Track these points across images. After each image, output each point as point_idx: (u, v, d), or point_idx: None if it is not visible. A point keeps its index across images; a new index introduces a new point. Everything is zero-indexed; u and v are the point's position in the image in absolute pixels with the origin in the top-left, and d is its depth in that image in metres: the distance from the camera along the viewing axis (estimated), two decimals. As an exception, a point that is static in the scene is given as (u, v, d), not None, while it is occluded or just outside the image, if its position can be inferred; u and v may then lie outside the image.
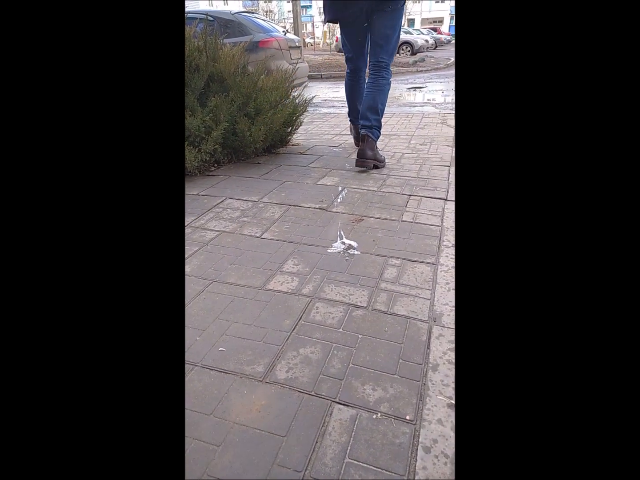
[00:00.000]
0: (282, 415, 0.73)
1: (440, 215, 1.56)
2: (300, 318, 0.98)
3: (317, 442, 0.68)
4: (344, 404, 0.75)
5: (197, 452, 0.66)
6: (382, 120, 2.13)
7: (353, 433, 0.69)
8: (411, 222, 1.51)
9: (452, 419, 0.71)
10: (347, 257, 1.27)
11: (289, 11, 23.72)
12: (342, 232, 1.43)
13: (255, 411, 0.74)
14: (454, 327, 0.95)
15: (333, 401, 0.75)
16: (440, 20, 44.36)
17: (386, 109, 2.25)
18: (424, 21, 42.00)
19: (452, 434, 0.69)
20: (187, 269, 1.21)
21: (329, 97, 6.30)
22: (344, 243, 1.36)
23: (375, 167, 2.11)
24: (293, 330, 0.94)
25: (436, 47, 19.75)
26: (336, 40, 15.66)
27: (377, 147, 2.13)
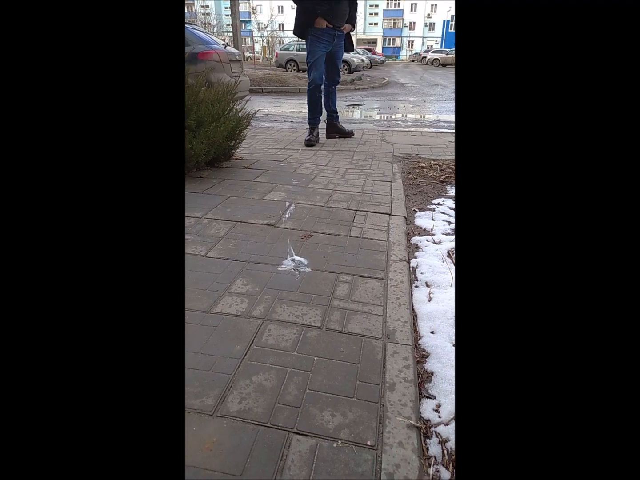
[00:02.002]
0: (237, 451, 0.67)
1: (386, 230, 1.59)
2: (252, 342, 0.93)
3: None
4: (302, 434, 0.71)
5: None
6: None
7: (313, 465, 0.66)
8: (359, 237, 1.52)
9: (413, 440, 0.70)
10: (297, 275, 1.24)
11: (228, 25, 23.60)
12: (291, 249, 1.40)
13: (206, 449, 0.67)
14: (407, 343, 0.95)
15: (291, 431, 0.71)
16: (375, 42, 46.69)
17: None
18: (359, 41, 43.87)
19: (414, 457, 0.67)
20: (124, 293, 1.11)
21: (271, 111, 6.30)
22: (294, 260, 1.33)
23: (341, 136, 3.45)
24: (244, 356, 0.89)
25: (371, 66, 20.69)
26: (275, 56, 15.82)
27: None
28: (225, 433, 0.70)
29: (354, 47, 3.08)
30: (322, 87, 3.08)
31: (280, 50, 15.74)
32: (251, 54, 25.30)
